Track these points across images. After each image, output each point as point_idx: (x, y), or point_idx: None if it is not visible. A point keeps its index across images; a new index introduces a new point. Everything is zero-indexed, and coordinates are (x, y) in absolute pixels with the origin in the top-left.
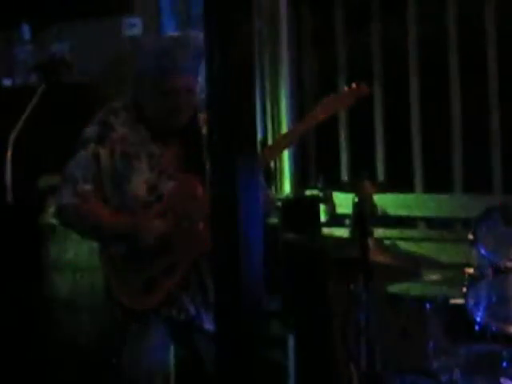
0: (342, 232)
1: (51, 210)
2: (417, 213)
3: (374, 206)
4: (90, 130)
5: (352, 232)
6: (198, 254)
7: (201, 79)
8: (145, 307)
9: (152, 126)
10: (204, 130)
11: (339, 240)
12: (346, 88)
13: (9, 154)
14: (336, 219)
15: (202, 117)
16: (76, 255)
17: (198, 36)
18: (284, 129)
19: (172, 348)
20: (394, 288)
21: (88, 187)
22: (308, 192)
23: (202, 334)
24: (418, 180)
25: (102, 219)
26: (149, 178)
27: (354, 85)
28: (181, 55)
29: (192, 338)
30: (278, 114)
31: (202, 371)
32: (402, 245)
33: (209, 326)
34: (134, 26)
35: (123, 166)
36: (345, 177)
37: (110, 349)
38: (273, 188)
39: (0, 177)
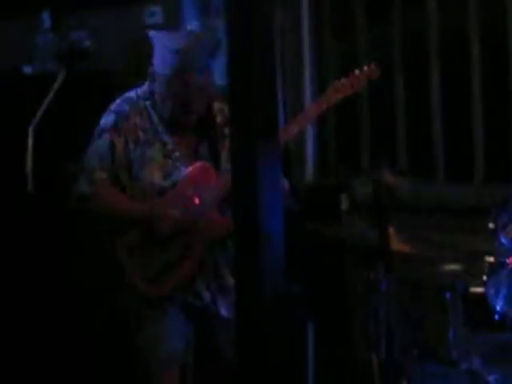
0: (363, 220)
1: (72, 198)
2: (437, 201)
3: (394, 194)
4: (105, 120)
5: (372, 220)
6: (210, 240)
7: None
8: (160, 293)
9: (166, 117)
10: (218, 119)
11: (359, 228)
12: (356, 71)
13: (29, 142)
14: (356, 207)
15: (217, 105)
16: (97, 242)
17: (216, 28)
18: None
19: (190, 334)
20: (414, 276)
21: (103, 175)
22: (328, 180)
23: (217, 319)
24: (440, 168)
25: (119, 206)
26: (163, 165)
27: (365, 68)
28: (196, 54)
29: (208, 324)
30: (299, 105)
31: (219, 357)
32: (422, 233)
33: (224, 311)
34: (154, 15)
35: (138, 154)
36: (365, 165)
37: (127, 334)
38: (293, 175)
39: (21, 165)
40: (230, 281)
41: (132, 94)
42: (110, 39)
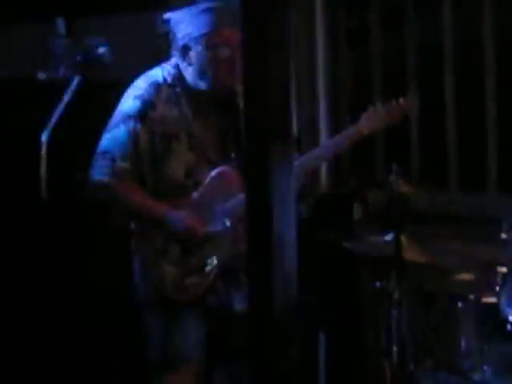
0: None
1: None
2: (450, 211)
3: (407, 204)
4: (131, 106)
5: (385, 230)
6: (235, 251)
7: None
8: (184, 299)
9: (195, 103)
10: (242, 104)
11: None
12: (392, 103)
13: (43, 149)
14: (369, 217)
15: (241, 89)
16: (110, 249)
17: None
18: (318, 128)
19: (204, 333)
20: (427, 286)
21: (125, 166)
22: (342, 189)
23: (232, 316)
24: (453, 178)
25: (138, 203)
26: (188, 160)
27: (401, 100)
28: (223, 8)
29: (223, 322)
30: (312, 113)
31: (232, 354)
32: (435, 243)
33: (238, 305)
34: (167, 22)
35: (162, 147)
36: (379, 174)
37: (147, 335)
38: (306, 185)
39: (34, 172)
40: (244, 276)
41: (158, 76)
42: (125, 46)
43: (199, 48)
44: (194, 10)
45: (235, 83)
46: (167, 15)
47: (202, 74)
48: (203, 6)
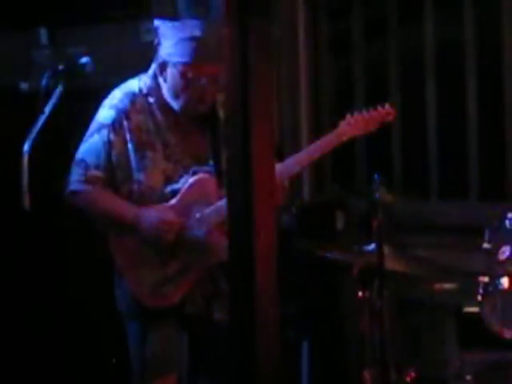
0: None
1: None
2: (432, 220)
3: (389, 212)
4: (105, 115)
5: (368, 239)
6: (213, 261)
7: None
8: (161, 306)
9: (170, 113)
10: (221, 114)
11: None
12: (371, 110)
13: (25, 158)
14: (352, 225)
15: (220, 98)
16: (91, 259)
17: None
18: (301, 137)
19: (185, 342)
20: (408, 295)
21: (98, 174)
22: (324, 198)
23: (211, 324)
24: (434, 187)
25: (110, 208)
26: (165, 168)
27: (380, 108)
28: (208, 41)
29: (202, 329)
30: (295, 123)
31: (211, 361)
32: (417, 252)
33: (217, 315)
34: (150, 32)
35: (138, 156)
36: (361, 184)
37: (128, 345)
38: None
39: (17, 182)
40: (224, 285)
41: (134, 87)
42: (107, 56)
43: (175, 72)
44: (182, 34)
45: (202, 110)
46: (156, 23)
47: (174, 95)
48: (189, 32)
